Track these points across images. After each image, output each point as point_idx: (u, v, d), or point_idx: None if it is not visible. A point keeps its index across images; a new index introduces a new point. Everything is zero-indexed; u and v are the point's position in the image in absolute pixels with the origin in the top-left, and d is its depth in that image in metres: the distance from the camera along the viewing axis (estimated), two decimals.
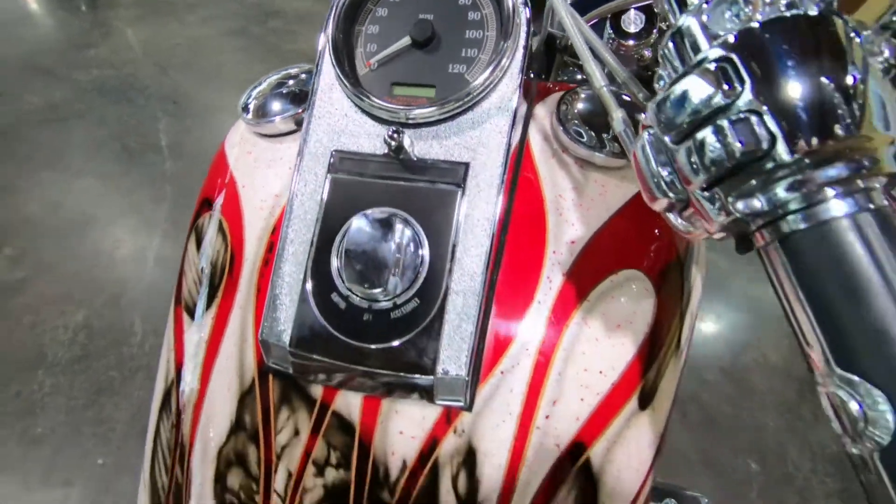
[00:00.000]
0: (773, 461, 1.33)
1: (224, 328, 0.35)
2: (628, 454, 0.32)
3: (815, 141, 0.18)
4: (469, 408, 0.31)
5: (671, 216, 0.24)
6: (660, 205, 0.24)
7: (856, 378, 0.18)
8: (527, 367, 0.31)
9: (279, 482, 0.32)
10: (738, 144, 0.19)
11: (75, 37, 2.48)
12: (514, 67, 0.32)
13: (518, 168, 0.35)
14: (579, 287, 0.33)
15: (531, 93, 0.38)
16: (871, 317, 0.18)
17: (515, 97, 0.32)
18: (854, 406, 0.18)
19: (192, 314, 0.37)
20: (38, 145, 1.87)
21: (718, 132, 0.20)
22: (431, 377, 0.29)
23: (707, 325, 1.54)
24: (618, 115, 0.28)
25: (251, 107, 0.39)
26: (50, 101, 2.03)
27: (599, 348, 0.32)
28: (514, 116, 0.32)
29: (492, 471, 0.30)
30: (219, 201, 0.39)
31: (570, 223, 0.34)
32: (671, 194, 0.23)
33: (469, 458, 0.31)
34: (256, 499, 0.33)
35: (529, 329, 0.32)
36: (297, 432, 0.32)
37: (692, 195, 0.22)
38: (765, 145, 0.19)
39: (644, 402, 0.33)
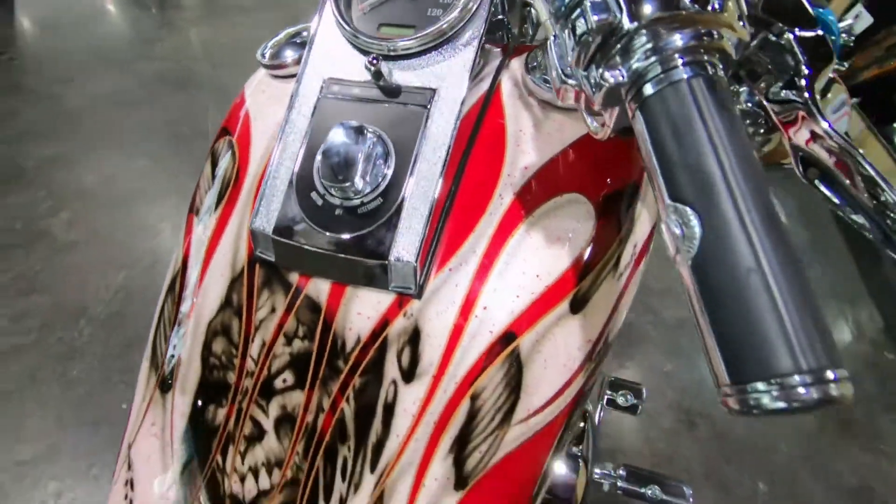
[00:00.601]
0: (782, 484, 1.30)
1: (225, 226, 0.42)
2: (556, 349, 0.36)
3: (653, 9, 0.23)
4: (418, 296, 0.36)
5: (586, 117, 0.29)
6: (565, 96, 0.29)
7: (679, 205, 0.23)
8: (472, 267, 0.36)
9: (254, 349, 0.38)
10: (595, 17, 0.24)
11: (143, 33, 2.71)
12: (482, 11, 0.38)
13: (486, 107, 0.41)
14: (526, 204, 0.37)
15: (509, 50, 0.44)
16: (692, 157, 0.23)
17: (480, 36, 0.38)
18: (677, 229, 0.22)
19: (199, 216, 0.44)
20: (102, 125, 2.04)
21: (583, 12, 0.25)
22: (386, 262, 0.34)
23: None
24: (551, 40, 0.33)
25: (268, 53, 0.46)
26: (115, 89, 2.23)
27: (538, 256, 0.36)
28: (477, 52, 0.38)
29: (432, 350, 0.35)
30: (235, 130, 0.46)
31: (525, 152, 0.39)
32: (569, 81, 0.28)
33: (414, 338, 0.35)
34: (234, 361, 0.38)
35: (478, 235, 0.37)
36: (273, 310, 0.38)
37: (580, 80, 0.27)
38: (617, 15, 0.24)
39: (575, 308, 0.37)
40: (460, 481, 0.35)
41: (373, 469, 0.35)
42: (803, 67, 0.29)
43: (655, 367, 1.60)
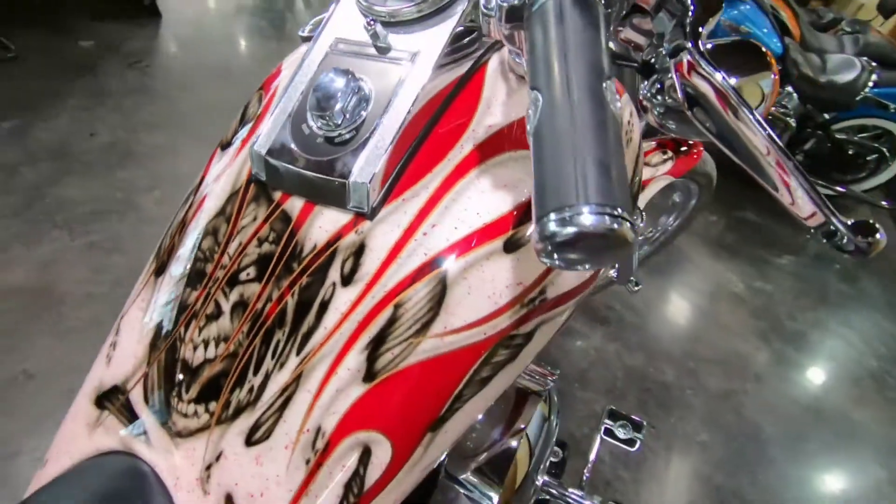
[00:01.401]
0: None
1: (238, 154, 0.49)
2: (482, 281, 0.39)
3: None
4: (371, 217, 0.41)
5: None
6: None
7: (534, 91, 0.28)
8: (422, 199, 0.41)
9: (232, 248, 0.44)
10: None
11: (259, 57, 3.07)
12: None
13: (468, 76, 0.46)
14: (482, 154, 0.42)
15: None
16: (547, 54, 0.28)
17: (463, 11, 0.43)
18: (530, 109, 0.28)
19: (224, 149, 0.52)
20: (204, 126, 2.31)
21: None
22: (346, 182, 0.40)
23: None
24: None
25: (307, 28, 0.54)
26: (222, 98, 2.52)
27: (483, 198, 0.41)
28: (457, 23, 0.43)
29: (371, 262, 0.40)
30: (267, 87, 0.54)
31: (493, 114, 0.44)
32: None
33: (359, 251, 0.40)
34: (215, 256, 0.44)
35: (434, 175, 0.42)
36: (255, 219, 0.44)
37: (496, 10, 0.33)
38: None
39: (509, 248, 0.40)
40: (369, 375, 0.38)
41: (298, 353, 0.39)
42: (690, 13, 0.33)
43: (689, 435, 1.49)
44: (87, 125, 2.20)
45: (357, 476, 0.37)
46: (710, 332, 1.85)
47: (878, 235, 0.33)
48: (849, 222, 0.33)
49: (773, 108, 2.31)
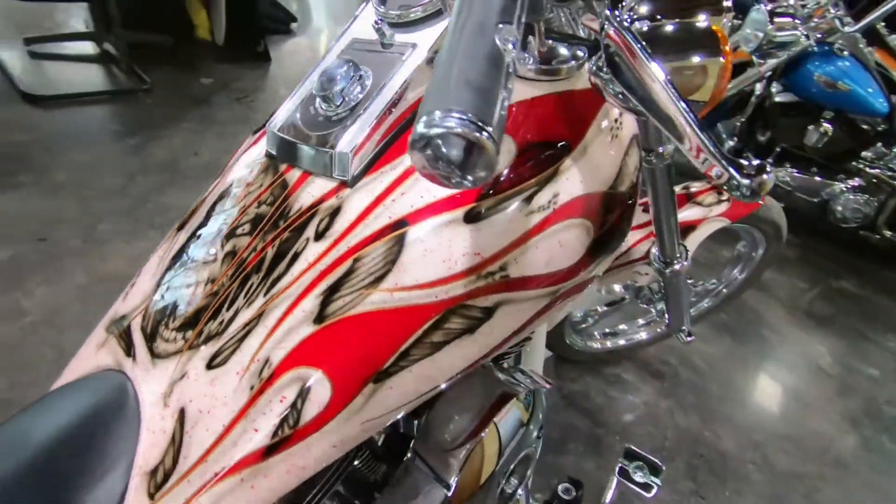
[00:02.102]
0: None
1: (264, 134, 0.55)
2: (439, 245, 0.41)
3: None
4: (351, 185, 0.44)
5: None
6: None
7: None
8: (398, 172, 0.44)
9: (237, 209, 0.49)
10: None
11: None
12: None
13: None
14: None
15: None
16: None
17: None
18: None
19: (255, 133, 0.59)
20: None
21: None
22: (332, 152, 0.44)
23: None
24: None
25: None
26: None
27: None
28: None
29: (342, 222, 0.43)
30: None
31: None
32: None
33: (335, 213, 0.43)
34: (223, 215, 0.50)
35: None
36: (260, 186, 0.49)
37: None
38: None
39: (469, 219, 0.41)
40: (319, 318, 0.40)
41: (266, 294, 0.42)
42: None
43: None
44: (194, 146, 2.51)
45: (294, 409, 0.38)
46: (786, 406, 1.65)
47: (765, 176, 0.35)
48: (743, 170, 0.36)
49: (869, 167, 2.10)
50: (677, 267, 1.00)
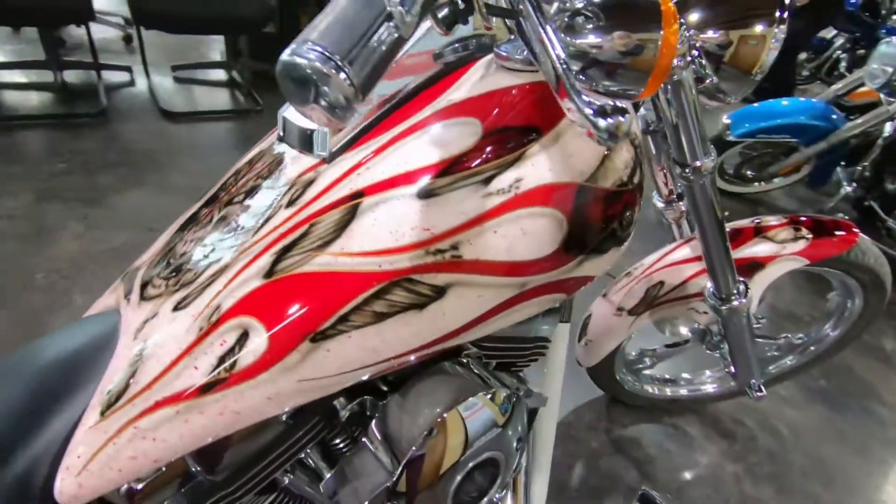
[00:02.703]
0: None
1: None
2: (389, 217, 0.42)
3: None
4: (329, 161, 0.47)
5: None
6: None
7: None
8: (369, 150, 0.45)
9: (241, 181, 0.53)
10: None
11: None
12: None
13: (455, 68, 0.50)
14: (435, 118, 0.46)
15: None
16: None
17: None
18: None
19: None
20: None
21: None
22: (314, 130, 0.46)
23: None
24: None
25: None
26: None
27: (416, 151, 0.44)
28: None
29: (311, 193, 0.46)
30: None
31: (459, 91, 0.48)
32: None
33: (308, 184, 0.46)
34: (228, 187, 0.54)
35: (389, 132, 0.46)
36: (264, 162, 0.53)
37: None
38: None
39: (422, 195, 0.42)
40: (269, 273, 0.42)
41: (234, 250, 0.46)
42: None
43: None
44: None
45: (232, 353, 0.40)
46: (887, 498, 1.38)
47: (621, 118, 0.37)
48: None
49: None
50: (735, 304, 0.90)
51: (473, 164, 0.43)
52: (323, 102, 0.27)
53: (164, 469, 0.44)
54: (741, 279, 0.89)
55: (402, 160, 0.44)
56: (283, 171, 0.50)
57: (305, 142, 0.48)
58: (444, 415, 0.49)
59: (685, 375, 1.46)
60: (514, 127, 0.45)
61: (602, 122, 0.36)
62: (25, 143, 2.26)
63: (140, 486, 0.43)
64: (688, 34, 0.53)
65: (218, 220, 0.50)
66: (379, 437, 0.52)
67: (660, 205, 1.06)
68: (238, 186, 0.53)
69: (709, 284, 0.93)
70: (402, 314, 0.42)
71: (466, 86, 0.47)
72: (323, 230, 0.43)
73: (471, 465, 0.51)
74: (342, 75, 0.26)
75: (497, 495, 0.56)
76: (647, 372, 1.41)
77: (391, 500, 0.50)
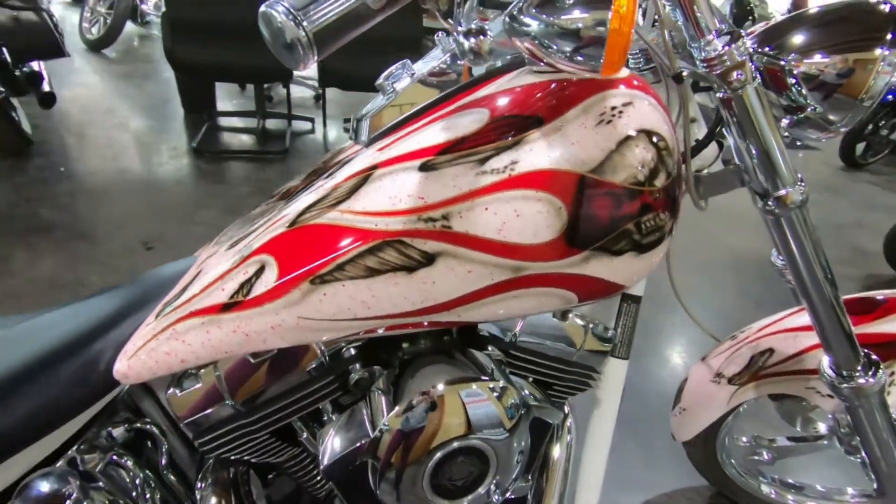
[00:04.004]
0: None
1: None
2: (392, 185, 0.47)
3: None
4: (367, 146, 0.54)
5: None
6: None
7: None
8: (398, 136, 0.52)
9: (319, 166, 0.61)
10: None
11: None
12: None
13: (489, 77, 0.54)
14: (457, 111, 0.50)
15: None
16: None
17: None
18: None
19: None
20: None
21: None
22: (358, 120, 0.54)
23: None
24: None
25: None
26: None
27: (431, 134, 0.49)
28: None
29: (345, 171, 0.51)
30: None
31: (485, 91, 0.51)
32: None
33: (346, 164, 0.53)
34: (315, 173, 0.62)
35: (419, 123, 0.52)
36: (334, 155, 0.61)
37: None
38: None
39: (424, 168, 0.47)
40: (292, 223, 0.50)
41: (279, 212, 0.53)
42: None
43: None
44: None
45: (249, 282, 0.47)
46: None
47: (482, 37, 0.43)
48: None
49: None
50: (862, 383, 0.74)
51: (473, 145, 0.46)
52: (284, 49, 0.35)
53: (199, 384, 0.53)
54: (866, 352, 0.73)
55: (416, 141, 0.48)
56: (341, 158, 0.58)
57: (354, 131, 0.57)
58: (436, 390, 0.50)
59: (819, 487, 1.18)
60: (518, 115, 0.47)
61: (465, 42, 0.42)
62: (228, 171, 2.84)
63: (180, 393, 0.53)
64: (749, 47, 0.51)
65: (286, 193, 0.61)
66: (372, 400, 0.55)
67: (778, 262, 0.93)
68: (311, 173, 0.63)
69: (824, 357, 0.78)
70: (392, 273, 0.46)
71: (493, 86, 0.51)
72: (339, 193, 0.49)
73: (457, 445, 0.51)
74: (300, 30, 0.33)
75: None
76: (761, 467, 1.18)
77: (369, 459, 0.52)
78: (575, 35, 0.39)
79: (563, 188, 0.45)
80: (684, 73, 0.58)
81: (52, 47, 2.51)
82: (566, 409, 0.73)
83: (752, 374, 0.94)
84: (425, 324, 0.49)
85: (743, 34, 0.51)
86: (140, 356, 0.48)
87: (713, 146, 0.73)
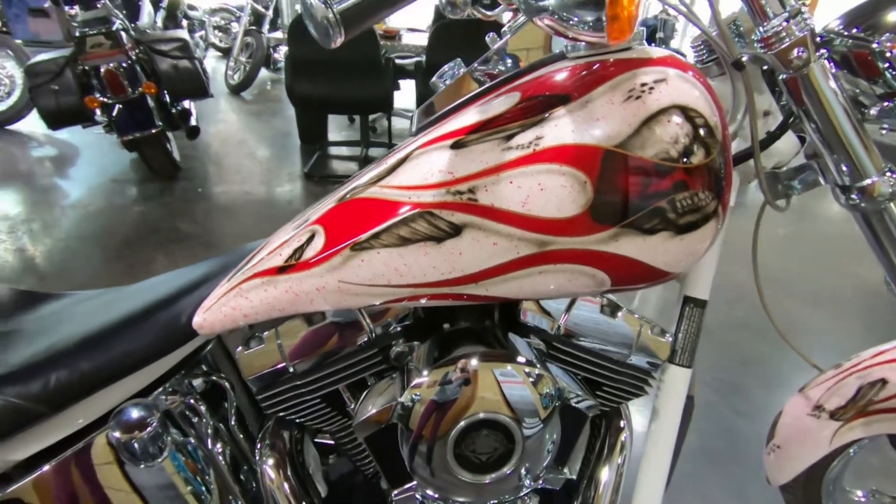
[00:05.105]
0: None
1: None
2: (427, 163, 0.51)
3: None
4: (415, 134, 0.57)
5: None
6: None
7: None
8: (445, 118, 0.55)
9: None
10: None
11: None
12: None
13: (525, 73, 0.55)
14: (491, 96, 0.52)
15: None
16: None
17: None
18: None
19: None
20: None
21: None
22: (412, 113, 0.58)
23: None
24: None
25: None
26: None
27: (468, 116, 0.52)
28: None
29: (394, 155, 0.55)
30: None
31: (525, 79, 0.52)
32: None
33: (397, 150, 0.56)
34: None
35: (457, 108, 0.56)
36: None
37: None
38: None
39: (455, 147, 0.50)
40: (342, 198, 0.55)
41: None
42: None
43: None
44: None
45: (301, 248, 0.53)
46: None
47: None
48: None
49: None
50: None
51: (501, 124, 0.48)
52: (317, 28, 0.40)
53: (263, 346, 0.60)
54: None
55: (452, 124, 0.52)
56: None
57: (411, 123, 0.62)
58: (469, 362, 0.52)
59: None
60: (546, 95, 0.48)
61: None
62: None
63: (247, 352, 0.60)
64: (809, 22, 0.48)
65: None
66: (407, 371, 0.57)
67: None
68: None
69: None
70: (423, 243, 0.48)
71: (534, 74, 0.53)
72: (383, 170, 0.53)
73: (483, 416, 0.51)
74: (328, 10, 0.38)
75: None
76: None
77: (397, 421, 0.55)
78: (584, 3, 0.41)
79: (587, 163, 0.45)
80: (743, 59, 0.56)
81: (201, 89, 2.98)
82: (623, 416, 0.69)
83: (860, 409, 0.82)
84: (463, 297, 0.51)
85: (802, 8, 0.48)
86: (213, 310, 0.56)
87: (794, 141, 0.68)
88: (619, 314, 0.63)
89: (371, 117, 3.75)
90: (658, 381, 0.70)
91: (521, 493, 0.59)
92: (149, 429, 0.56)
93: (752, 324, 1.94)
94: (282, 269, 0.53)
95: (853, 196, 0.55)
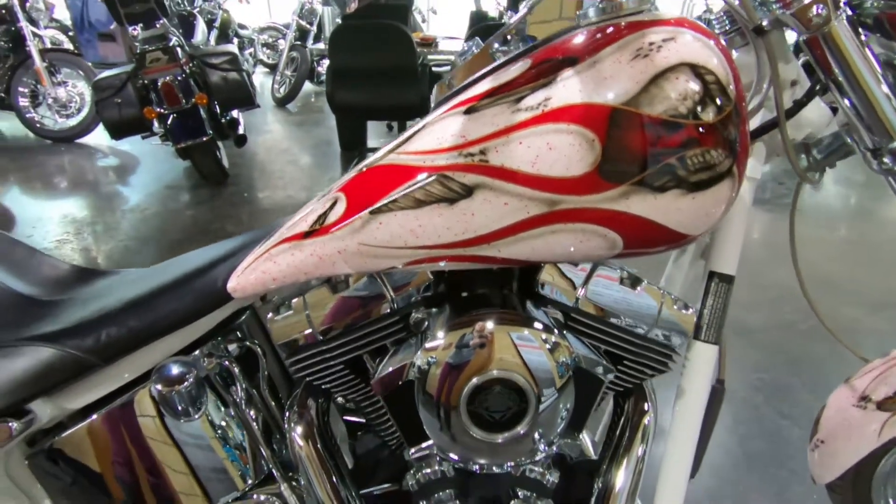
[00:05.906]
0: None
1: None
2: (441, 129, 0.52)
3: None
4: (434, 108, 0.58)
5: None
6: None
7: None
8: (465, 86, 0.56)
9: None
10: None
11: None
12: None
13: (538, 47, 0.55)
14: (514, 60, 0.53)
15: None
16: None
17: None
18: None
19: None
20: None
21: None
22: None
23: None
24: None
25: None
26: None
27: (483, 84, 0.53)
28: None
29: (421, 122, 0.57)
30: None
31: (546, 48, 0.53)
32: None
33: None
34: None
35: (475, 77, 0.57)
36: None
37: None
38: None
39: (467, 112, 0.51)
40: (366, 166, 0.57)
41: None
42: None
43: None
44: None
45: (325, 214, 0.56)
46: None
47: None
48: None
49: None
50: None
51: (511, 87, 0.50)
52: None
53: (291, 313, 0.63)
54: None
55: (467, 93, 0.53)
56: None
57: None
58: (484, 323, 0.53)
59: None
60: (555, 58, 0.49)
61: None
62: None
63: (277, 318, 0.63)
64: None
65: None
66: (425, 334, 0.59)
67: None
68: None
69: None
70: (436, 205, 0.50)
71: (548, 44, 0.54)
72: (402, 139, 0.55)
73: (496, 374, 0.53)
74: None
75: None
76: None
77: (414, 378, 0.57)
78: None
79: (594, 121, 0.46)
80: (764, 24, 0.55)
81: (248, 99, 3.14)
82: (647, 398, 0.68)
83: None
84: (478, 259, 0.53)
85: None
86: (245, 274, 0.60)
87: (825, 111, 0.65)
88: (640, 286, 0.62)
89: (409, 123, 3.84)
90: (683, 360, 0.68)
91: (537, 458, 0.60)
92: (186, 383, 0.60)
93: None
94: (307, 234, 0.56)
95: (885, 160, 0.53)
